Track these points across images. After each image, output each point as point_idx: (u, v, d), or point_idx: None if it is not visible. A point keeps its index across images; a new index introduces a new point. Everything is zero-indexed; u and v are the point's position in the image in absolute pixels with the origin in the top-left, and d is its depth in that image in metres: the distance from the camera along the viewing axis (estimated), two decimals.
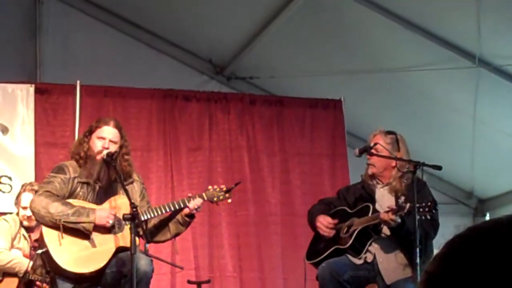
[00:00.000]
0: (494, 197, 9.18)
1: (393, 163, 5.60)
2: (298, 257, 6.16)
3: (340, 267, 5.46)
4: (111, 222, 5.34)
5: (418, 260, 5.13)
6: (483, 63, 7.27)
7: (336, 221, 5.71)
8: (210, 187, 5.81)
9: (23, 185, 6.80)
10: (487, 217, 9.30)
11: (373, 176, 5.71)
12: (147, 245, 5.62)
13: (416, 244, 5.11)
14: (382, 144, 5.63)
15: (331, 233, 5.68)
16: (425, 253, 5.22)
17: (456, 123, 8.27)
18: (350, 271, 5.44)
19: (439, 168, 5.51)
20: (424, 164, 5.37)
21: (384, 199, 5.62)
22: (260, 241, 7.98)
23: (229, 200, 5.85)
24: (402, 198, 5.37)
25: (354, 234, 5.54)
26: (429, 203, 5.16)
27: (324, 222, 5.70)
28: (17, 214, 6.71)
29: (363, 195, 5.71)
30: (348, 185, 6.09)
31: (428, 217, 5.15)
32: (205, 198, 5.65)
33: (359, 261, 5.52)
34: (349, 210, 5.72)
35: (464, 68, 7.32)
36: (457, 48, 7.29)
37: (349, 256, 5.55)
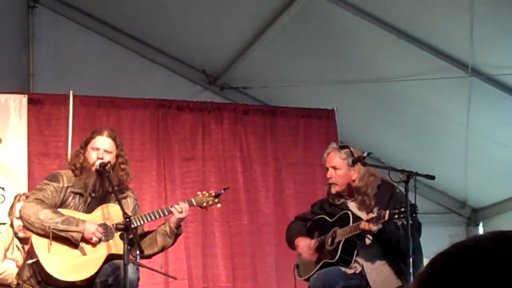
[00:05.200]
0: (488, 207, 9.17)
1: (354, 177, 5.58)
2: (292, 267, 6.15)
3: (332, 278, 5.44)
4: (94, 239, 5.32)
5: (411, 270, 5.12)
6: (476, 72, 7.27)
7: (316, 244, 5.69)
8: (199, 192, 5.81)
9: (16, 196, 6.77)
10: (481, 227, 9.30)
11: (339, 195, 5.67)
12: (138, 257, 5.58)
13: (410, 253, 5.10)
14: (338, 160, 5.60)
15: (314, 256, 5.66)
16: (415, 263, 5.19)
17: (449, 133, 8.27)
18: (342, 282, 5.41)
19: (432, 177, 5.49)
20: (417, 174, 5.35)
21: (358, 212, 5.60)
22: (254, 251, 7.96)
23: (219, 205, 5.85)
24: (375, 210, 5.36)
25: (340, 247, 5.51)
26: (405, 206, 5.12)
27: (305, 247, 5.68)
28: (11, 225, 6.68)
29: (337, 211, 5.66)
30: (319, 202, 5.96)
31: (405, 222, 5.11)
32: (194, 204, 5.65)
33: (350, 271, 5.51)
34: (329, 219, 5.69)
35: (457, 78, 7.32)
36: (450, 58, 7.29)
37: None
